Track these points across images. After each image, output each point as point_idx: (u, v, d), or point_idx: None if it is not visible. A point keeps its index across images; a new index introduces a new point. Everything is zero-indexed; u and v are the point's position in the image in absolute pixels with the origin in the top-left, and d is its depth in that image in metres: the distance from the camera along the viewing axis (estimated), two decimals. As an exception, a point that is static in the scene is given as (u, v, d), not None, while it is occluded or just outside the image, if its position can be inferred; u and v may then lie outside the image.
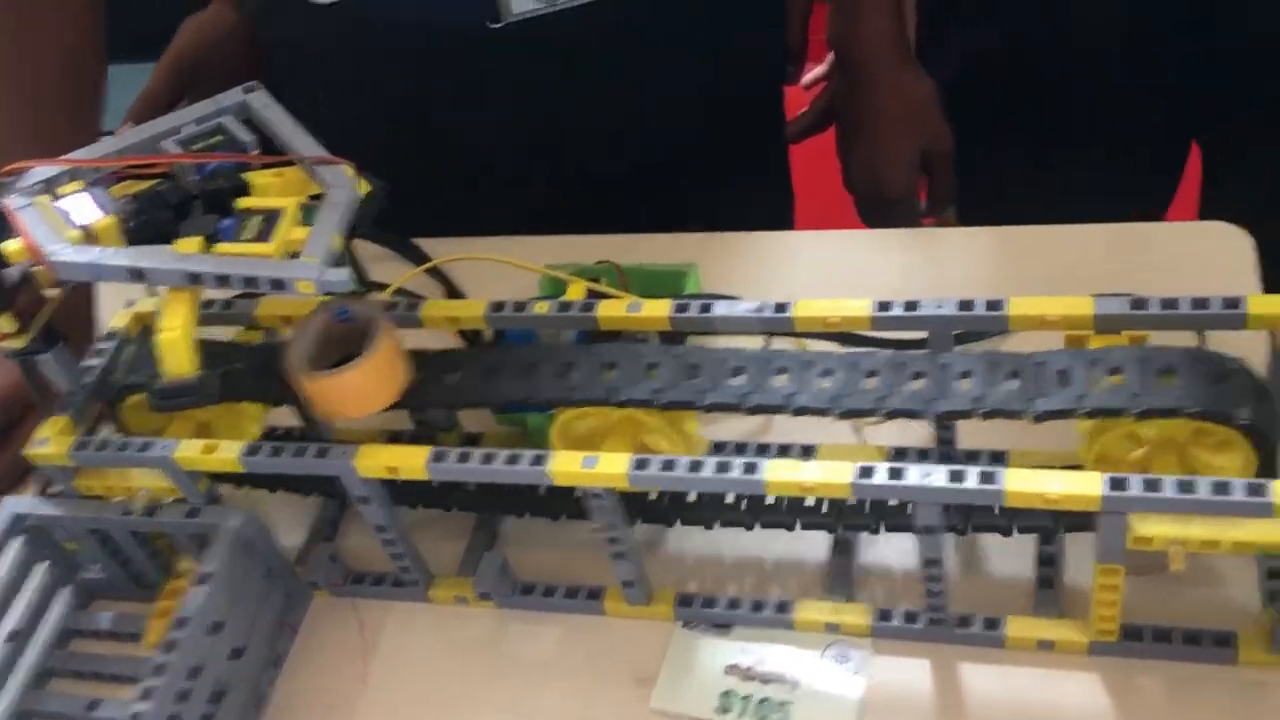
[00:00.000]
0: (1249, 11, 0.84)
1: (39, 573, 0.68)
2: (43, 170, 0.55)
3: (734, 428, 0.70)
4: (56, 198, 0.54)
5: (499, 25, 0.80)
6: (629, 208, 0.88)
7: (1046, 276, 0.76)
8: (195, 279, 0.52)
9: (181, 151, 0.56)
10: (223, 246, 0.52)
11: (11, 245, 0.53)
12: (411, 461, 0.58)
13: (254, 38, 0.97)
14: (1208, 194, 0.96)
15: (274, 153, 0.58)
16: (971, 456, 0.65)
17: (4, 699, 0.65)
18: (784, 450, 0.68)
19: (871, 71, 0.89)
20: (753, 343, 0.64)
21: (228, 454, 0.60)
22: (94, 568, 0.69)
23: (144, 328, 0.68)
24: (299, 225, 0.53)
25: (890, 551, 0.63)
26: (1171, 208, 0.99)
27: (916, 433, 0.67)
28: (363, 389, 0.57)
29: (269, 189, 0.55)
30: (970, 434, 0.64)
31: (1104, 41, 0.87)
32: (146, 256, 0.52)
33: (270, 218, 0.53)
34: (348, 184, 0.55)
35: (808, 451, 0.67)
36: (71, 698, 0.66)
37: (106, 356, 0.66)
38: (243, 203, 0.54)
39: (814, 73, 1.00)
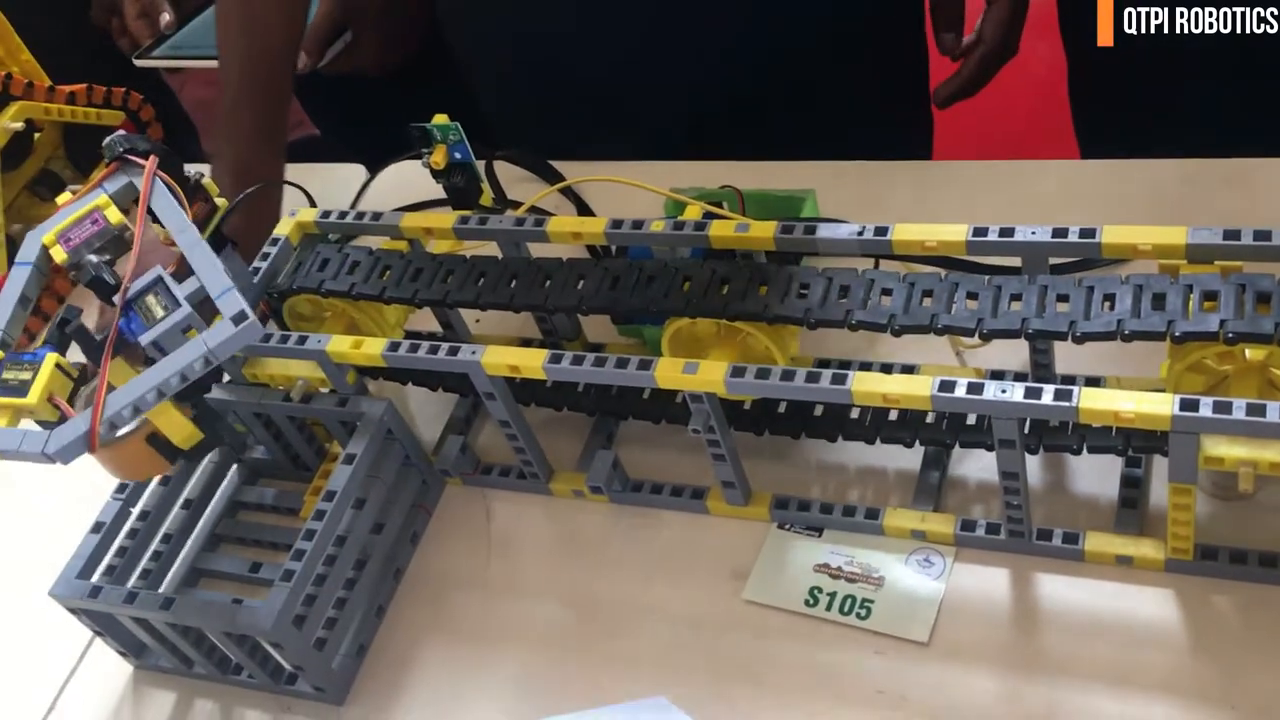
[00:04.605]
0: None
1: (212, 451, 0.76)
2: None
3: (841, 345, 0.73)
4: None
5: None
6: (759, 134, 0.91)
7: (1169, 207, 0.76)
8: None
9: None
10: None
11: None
12: (531, 361, 0.64)
13: None
14: None
15: None
16: (1068, 380, 0.67)
17: (182, 557, 0.74)
18: (886, 368, 0.71)
19: None
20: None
21: (373, 349, 0.67)
22: (259, 449, 0.78)
23: (305, 235, 0.76)
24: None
25: (978, 466, 0.66)
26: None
27: (1018, 357, 0.69)
28: (138, 457, 0.60)
29: None
30: (1069, 359, 0.66)
31: None
32: None
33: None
34: None
35: (909, 371, 0.70)
36: (238, 559, 0.75)
37: (271, 259, 0.74)
38: None
39: (969, 39, 1.00)
